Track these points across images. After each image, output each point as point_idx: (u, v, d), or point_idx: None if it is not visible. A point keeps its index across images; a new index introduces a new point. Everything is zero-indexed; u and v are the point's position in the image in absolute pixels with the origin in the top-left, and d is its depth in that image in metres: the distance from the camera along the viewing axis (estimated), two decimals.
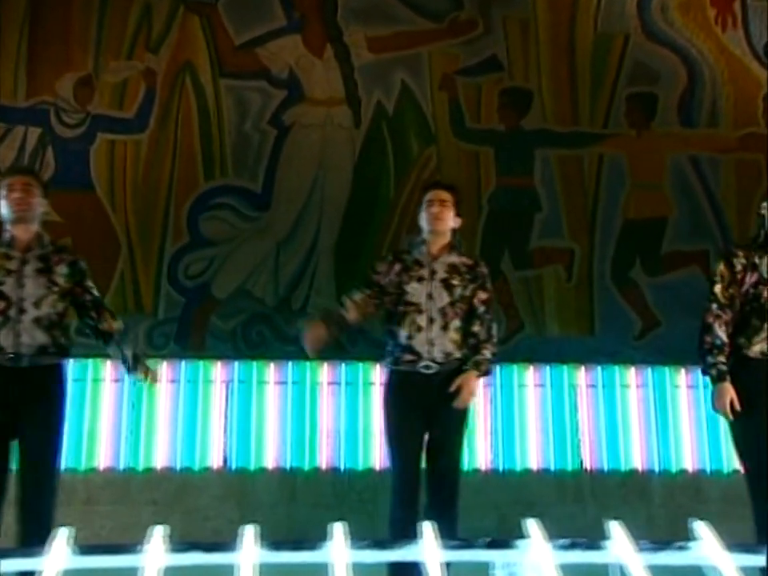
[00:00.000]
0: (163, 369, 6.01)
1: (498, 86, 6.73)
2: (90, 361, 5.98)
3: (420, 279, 4.28)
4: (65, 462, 5.69)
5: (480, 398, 6.09)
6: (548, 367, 6.28)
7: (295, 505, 5.91)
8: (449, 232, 4.40)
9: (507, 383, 6.22)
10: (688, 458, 6.18)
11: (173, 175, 6.40)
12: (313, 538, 1.55)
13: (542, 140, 6.67)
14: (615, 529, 1.46)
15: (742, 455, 4.08)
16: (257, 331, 6.30)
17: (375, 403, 5.79)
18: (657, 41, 6.86)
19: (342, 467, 6.04)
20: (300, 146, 6.54)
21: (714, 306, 4.05)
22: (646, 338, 6.44)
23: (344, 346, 6.22)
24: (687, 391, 6.22)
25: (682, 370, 6.18)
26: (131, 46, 6.50)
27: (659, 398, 6.27)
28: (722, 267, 4.12)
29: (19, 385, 3.77)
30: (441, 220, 4.33)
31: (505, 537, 1.48)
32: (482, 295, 4.34)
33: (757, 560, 1.42)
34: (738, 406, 3.94)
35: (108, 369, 6.00)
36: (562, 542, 1.42)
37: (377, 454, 5.91)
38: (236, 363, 6.16)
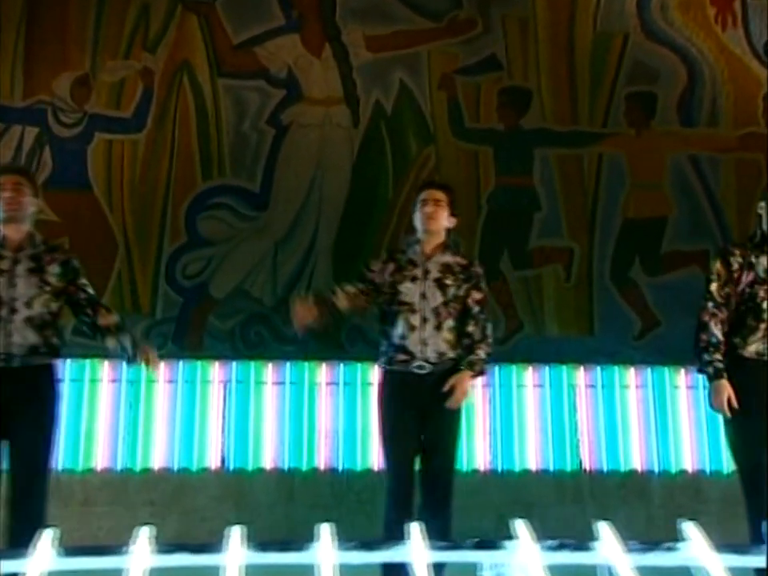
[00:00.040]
0: (161, 369, 6.02)
1: (497, 85, 6.71)
2: (88, 361, 5.98)
3: (413, 279, 4.27)
4: (62, 462, 5.77)
5: (478, 399, 6.10)
6: (547, 367, 6.26)
7: (293, 505, 5.89)
8: (443, 232, 4.39)
9: (506, 383, 6.20)
10: (688, 458, 6.16)
11: (170, 175, 6.39)
12: (311, 539, 1.53)
13: (542, 139, 6.65)
14: (604, 529, 1.44)
15: (737, 456, 4.07)
16: (255, 331, 6.29)
17: (373, 403, 5.76)
18: (656, 40, 6.84)
19: (341, 468, 6.02)
20: (298, 145, 6.53)
21: (710, 304, 4.04)
22: (645, 338, 6.43)
23: (343, 346, 6.22)
24: (687, 391, 6.20)
25: (682, 371, 6.15)
26: (128, 46, 6.48)
27: (659, 399, 6.26)
28: (718, 266, 4.11)
29: (10, 385, 3.75)
30: (434, 219, 4.32)
31: (493, 537, 1.46)
32: (477, 295, 4.33)
33: (745, 560, 1.40)
34: (735, 404, 3.92)
35: (105, 369, 5.99)
36: (550, 542, 1.40)
37: (375, 455, 5.88)
38: (234, 363, 6.15)
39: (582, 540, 1.48)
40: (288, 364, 6.16)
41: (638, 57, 6.81)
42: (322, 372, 6.15)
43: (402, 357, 4.20)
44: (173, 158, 6.41)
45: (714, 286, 4.07)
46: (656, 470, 6.16)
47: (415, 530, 1.45)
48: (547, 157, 6.64)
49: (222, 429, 6.03)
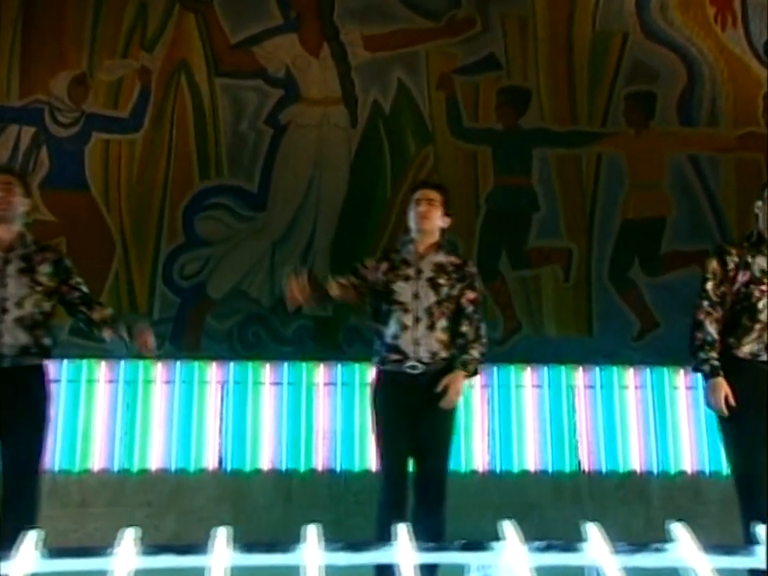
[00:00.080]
0: (158, 369, 6.02)
1: (496, 84, 6.69)
2: (85, 362, 5.98)
3: (406, 278, 4.26)
4: (59, 463, 5.76)
5: (477, 399, 6.09)
6: (546, 368, 6.23)
7: (291, 506, 5.87)
8: (436, 231, 4.39)
9: (504, 384, 6.18)
10: (687, 459, 6.14)
11: (168, 175, 6.37)
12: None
13: (540, 139, 6.63)
14: (592, 531, 1.43)
15: (732, 457, 4.06)
16: (252, 332, 6.27)
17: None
18: (656, 39, 6.82)
19: (338, 468, 6.00)
20: (296, 145, 6.51)
21: (706, 303, 4.03)
22: (644, 338, 6.40)
23: (340, 346, 6.21)
24: (686, 392, 6.18)
25: (681, 371, 6.12)
26: (126, 45, 6.47)
27: (658, 399, 6.23)
28: (714, 264, 4.10)
29: (1, 386, 3.74)
30: (427, 219, 4.33)
31: (482, 539, 1.45)
32: (470, 295, 4.32)
33: (734, 561, 1.39)
34: (732, 402, 3.91)
35: (102, 370, 5.98)
36: (537, 544, 1.39)
37: (373, 456, 5.86)
38: (231, 364, 6.13)
39: (580, 541, 1.46)
40: (286, 364, 6.14)
41: (638, 56, 6.79)
42: (320, 372, 6.13)
43: (394, 356, 4.19)
44: (170, 157, 6.39)
45: (709, 285, 4.06)
46: (655, 470, 6.13)
47: (402, 531, 1.44)
48: (546, 157, 6.62)
49: (220, 429, 6.00)
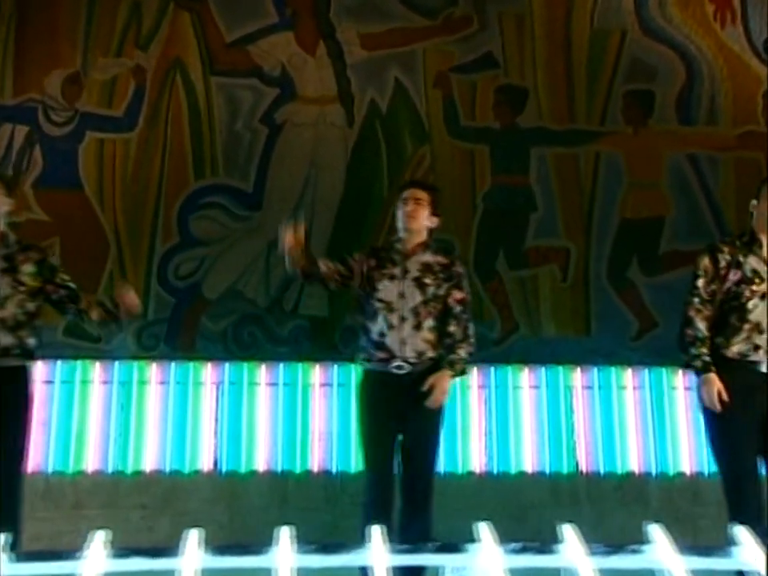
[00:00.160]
0: (153, 370, 5.99)
1: (494, 83, 6.65)
2: (79, 362, 5.94)
3: (392, 277, 4.28)
4: (52, 465, 5.73)
5: (474, 400, 6.05)
6: (543, 368, 6.19)
7: (286, 508, 5.83)
8: (424, 231, 4.40)
9: (502, 385, 6.14)
10: (686, 460, 6.10)
11: (162, 174, 6.33)
12: (305, 541, 1.50)
13: (538, 138, 6.59)
14: (567, 532, 1.39)
15: (720, 458, 4.05)
16: (248, 332, 6.23)
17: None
18: (654, 37, 6.77)
19: (334, 470, 5.95)
20: (292, 144, 6.47)
21: (696, 300, 4.03)
22: (643, 338, 6.36)
23: (336, 346, 6.17)
24: (685, 393, 6.13)
25: (680, 372, 6.07)
26: (120, 43, 6.42)
27: (656, 400, 6.19)
28: (706, 262, 4.09)
29: None
30: (414, 218, 4.34)
31: (456, 541, 1.41)
32: (458, 294, 4.32)
33: (710, 563, 1.36)
34: (726, 397, 3.89)
35: (96, 370, 5.94)
36: (513, 545, 1.36)
37: None
38: (227, 364, 6.09)
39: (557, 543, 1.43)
40: (281, 365, 6.09)
41: (636, 54, 6.74)
42: (316, 373, 6.08)
43: (381, 354, 4.19)
44: (165, 157, 6.35)
45: (700, 282, 4.05)
46: (653, 472, 6.09)
47: (376, 533, 1.41)
48: (544, 155, 6.58)
49: (215, 431, 5.96)
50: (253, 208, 6.38)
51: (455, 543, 1.40)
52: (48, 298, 3.97)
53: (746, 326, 3.98)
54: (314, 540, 1.52)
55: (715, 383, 3.92)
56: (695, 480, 6.04)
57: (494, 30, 6.69)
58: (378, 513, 3.89)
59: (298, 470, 5.95)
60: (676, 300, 6.03)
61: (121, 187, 6.29)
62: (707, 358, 3.96)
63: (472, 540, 1.45)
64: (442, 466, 5.77)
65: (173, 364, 6.04)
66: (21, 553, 1.59)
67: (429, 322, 4.21)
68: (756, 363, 3.98)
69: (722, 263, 4.06)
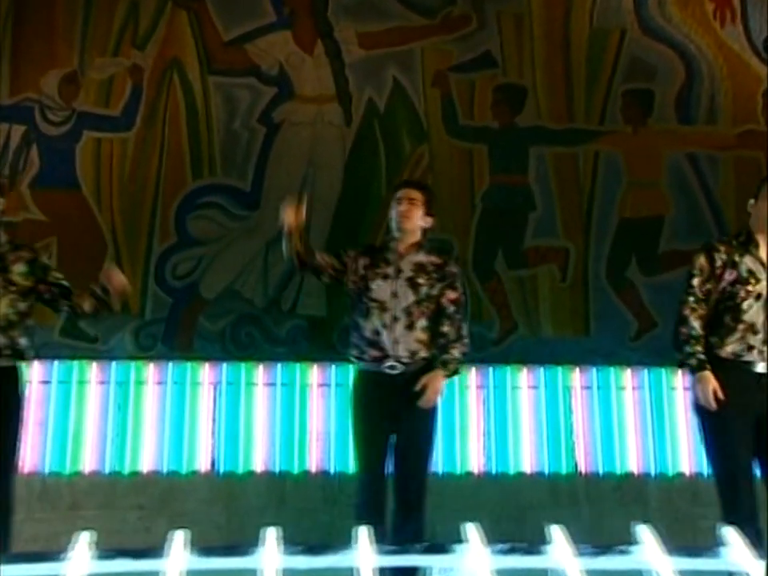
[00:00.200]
0: (150, 370, 5.97)
1: (492, 82, 6.62)
2: (75, 363, 5.92)
3: (385, 277, 4.28)
4: (49, 465, 5.72)
5: (472, 400, 6.03)
6: (542, 369, 6.17)
7: (284, 509, 5.81)
8: (417, 231, 4.40)
9: (500, 385, 6.12)
10: (685, 461, 6.07)
11: (160, 174, 6.31)
12: (303, 542, 1.48)
13: (537, 137, 6.56)
14: (555, 533, 1.37)
15: (713, 459, 4.04)
16: (245, 332, 6.21)
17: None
18: (654, 36, 6.75)
19: (332, 471, 5.93)
20: (290, 144, 6.45)
21: (691, 299, 4.02)
22: (642, 339, 6.33)
23: (334, 346, 6.15)
24: (684, 393, 6.10)
25: (679, 372, 6.05)
26: (117, 42, 6.40)
27: (656, 400, 6.16)
28: (702, 261, 4.08)
29: None
30: (408, 218, 4.35)
31: (442, 541, 1.39)
32: (451, 294, 4.32)
33: (698, 563, 1.34)
34: (721, 395, 3.87)
35: (93, 371, 5.93)
36: (500, 546, 1.34)
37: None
38: (224, 365, 6.07)
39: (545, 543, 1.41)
40: (279, 365, 6.07)
41: (635, 53, 6.71)
42: (314, 373, 6.06)
43: (374, 353, 4.20)
44: (162, 156, 6.33)
45: (696, 281, 4.04)
46: (653, 472, 6.07)
47: (363, 534, 1.39)
48: (543, 155, 6.55)
49: (212, 431, 5.94)
50: (250, 207, 6.36)
51: (442, 544, 1.38)
52: (40, 297, 3.95)
53: (741, 326, 3.98)
54: (312, 540, 1.51)
55: (710, 381, 3.91)
56: (694, 480, 6.02)
57: (493, 29, 6.66)
58: (370, 514, 3.88)
59: (295, 470, 5.93)
60: (675, 300, 6.02)
61: (118, 187, 6.28)
62: (702, 356, 3.96)
63: (460, 541, 1.43)
64: (440, 466, 5.78)
65: (170, 364, 6.02)
66: (5, 555, 1.57)
67: (422, 322, 4.21)
68: (750, 363, 3.98)
69: (718, 263, 4.05)
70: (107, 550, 1.55)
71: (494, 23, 6.67)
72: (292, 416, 5.99)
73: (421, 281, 4.27)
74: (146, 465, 5.86)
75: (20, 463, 5.19)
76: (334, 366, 6.04)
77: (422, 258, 4.35)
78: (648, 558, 1.30)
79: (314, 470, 5.94)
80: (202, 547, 1.48)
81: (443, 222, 6.23)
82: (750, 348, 3.97)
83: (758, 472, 4.01)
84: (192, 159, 6.37)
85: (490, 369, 6.07)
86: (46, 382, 5.82)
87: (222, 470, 5.90)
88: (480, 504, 5.74)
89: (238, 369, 6.06)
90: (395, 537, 3.83)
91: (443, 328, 4.24)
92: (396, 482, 4.10)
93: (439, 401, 4.28)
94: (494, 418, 6.07)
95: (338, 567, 1.41)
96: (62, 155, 6.25)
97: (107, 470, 5.82)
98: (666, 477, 6.06)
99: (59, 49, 6.36)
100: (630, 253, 6.46)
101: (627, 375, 6.20)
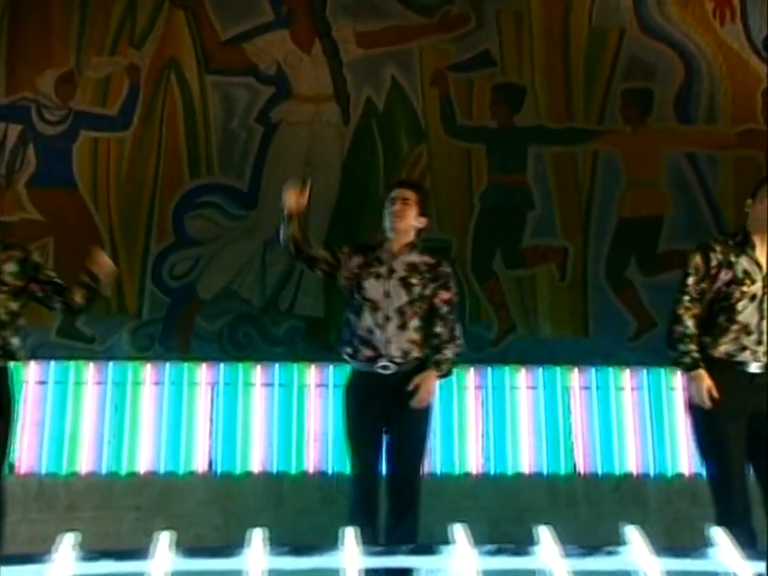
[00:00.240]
0: (147, 371, 5.95)
1: (491, 81, 6.60)
2: (72, 363, 5.91)
3: (378, 276, 4.28)
4: (46, 466, 5.70)
5: (471, 401, 6.02)
6: (541, 369, 6.14)
7: (282, 509, 5.80)
8: (411, 231, 4.40)
9: (499, 385, 6.09)
10: (684, 461, 6.04)
11: (157, 173, 6.30)
12: (299, 542, 1.48)
13: (536, 136, 6.54)
14: (543, 533, 1.36)
15: (706, 460, 4.03)
16: (243, 332, 6.20)
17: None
18: (653, 35, 6.72)
19: (330, 471, 5.92)
20: (287, 143, 6.43)
21: (686, 298, 4.01)
22: (641, 339, 6.31)
23: (332, 347, 6.13)
24: (683, 393, 6.08)
25: (678, 372, 6.03)
26: (114, 42, 6.39)
27: (655, 401, 6.13)
28: (697, 260, 4.07)
29: None
30: (401, 218, 4.35)
31: (430, 542, 1.38)
32: (444, 295, 4.31)
33: (686, 564, 1.32)
34: (716, 394, 3.86)
35: (90, 371, 5.91)
36: (488, 547, 1.32)
37: None
38: (222, 365, 6.05)
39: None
40: (277, 365, 6.06)
41: (635, 52, 6.69)
42: (312, 373, 6.05)
43: (367, 352, 4.20)
44: (160, 156, 6.32)
45: (690, 280, 4.03)
46: (652, 473, 6.04)
47: (349, 535, 1.38)
48: (541, 154, 6.53)
49: (210, 432, 5.93)
50: (248, 207, 6.35)
51: (430, 545, 1.37)
52: (33, 296, 3.94)
53: (735, 327, 3.96)
54: (311, 541, 1.49)
55: (705, 380, 3.90)
56: (693, 481, 5.98)
57: (492, 28, 6.64)
58: (363, 514, 3.87)
59: (293, 470, 5.92)
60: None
61: (115, 186, 6.27)
62: (696, 355, 3.95)
63: (447, 542, 1.41)
64: (438, 466, 5.77)
65: (167, 364, 6.01)
66: None
67: (414, 322, 4.21)
68: (743, 364, 3.96)
69: (714, 262, 4.04)
70: (91, 552, 1.53)
71: (492, 22, 6.65)
72: (290, 416, 5.98)
73: (414, 281, 4.27)
74: (143, 465, 5.84)
75: (16, 464, 5.22)
76: (331, 367, 6.01)
77: (414, 258, 4.35)
78: (636, 558, 1.28)
79: (311, 470, 5.92)
80: (188, 548, 1.46)
81: (441, 221, 6.23)
82: (744, 348, 3.96)
83: (751, 472, 4.01)
84: (189, 159, 6.36)
85: (489, 369, 6.05)
86: (43, 383, 5.81)
87: (219, 471, 5.89)
88: (478, 505, 5.72)
89: (235, 369, 6.04)
90: (389, 538, 3.82)
91: (436, 328, 4.23)
92: (389, 483, 4.09)
93: (432, 401, 4.28)
94: (493, 419, 6.05)
95: (324, 568, 1.39)
96: (58, 155, 6.24)
97: (104, 471, 5.81)
98: (665, 477, 6.04)
99: (56, 48, 6.35)
100: (629, 252, 6.44)
101: (626, 375, 6.18)
